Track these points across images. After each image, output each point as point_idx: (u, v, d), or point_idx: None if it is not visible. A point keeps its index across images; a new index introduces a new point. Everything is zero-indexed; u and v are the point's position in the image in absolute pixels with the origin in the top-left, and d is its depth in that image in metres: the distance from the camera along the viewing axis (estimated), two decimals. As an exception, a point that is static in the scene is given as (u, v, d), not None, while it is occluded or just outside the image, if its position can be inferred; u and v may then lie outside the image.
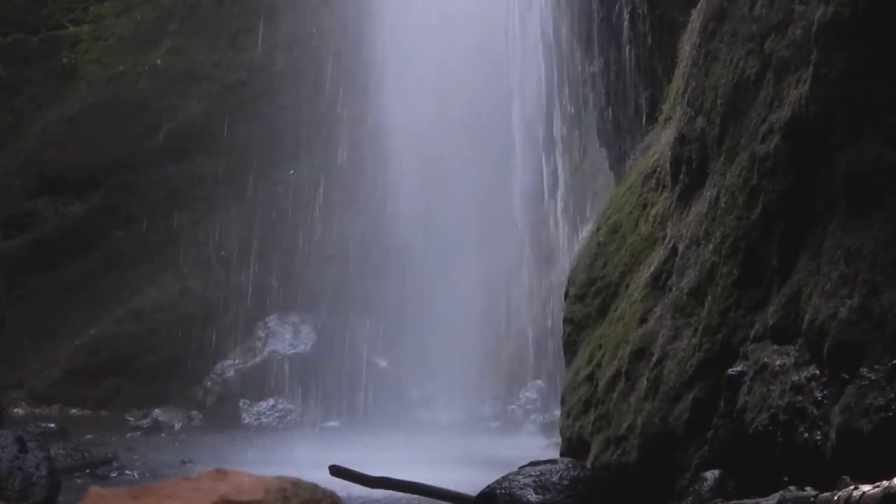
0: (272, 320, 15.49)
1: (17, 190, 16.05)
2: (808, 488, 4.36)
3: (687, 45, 6.38)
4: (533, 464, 5.67)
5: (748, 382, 4.93)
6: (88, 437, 12.31)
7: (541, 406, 14.38)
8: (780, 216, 4.98)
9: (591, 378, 6.47)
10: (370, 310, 15.13)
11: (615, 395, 6.05)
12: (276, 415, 14.56)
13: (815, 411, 4.55)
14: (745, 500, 4.66)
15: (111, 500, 2.19)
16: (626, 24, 9.47)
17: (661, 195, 6.41)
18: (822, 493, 4.25)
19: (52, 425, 12.71)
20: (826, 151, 4.72)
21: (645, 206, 6.59)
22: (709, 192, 5.58)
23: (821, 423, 4.50)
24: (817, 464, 4.47)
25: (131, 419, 14.56)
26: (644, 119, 8.91)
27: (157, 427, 14.13)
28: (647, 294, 6.05)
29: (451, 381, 15.03)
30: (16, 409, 14.78)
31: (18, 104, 16.10)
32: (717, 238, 5.38)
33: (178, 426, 14.38)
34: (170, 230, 16.02)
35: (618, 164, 10.01)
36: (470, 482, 6.67)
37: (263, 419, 14.52)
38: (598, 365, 6.41)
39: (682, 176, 5.97)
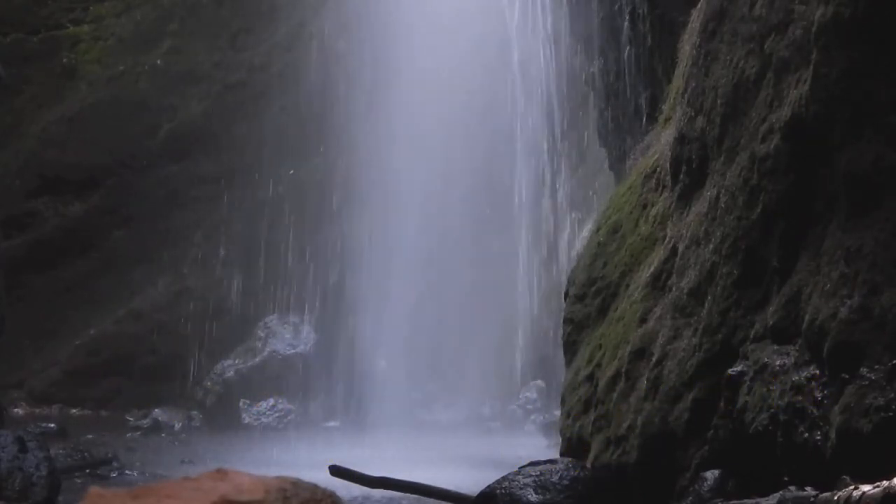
0: (272, 320, 15.49)
1: (17, 190, 16.06)
2: (808, 488, 4.36)
3: (687, 45, 6.38)
4: (533, 464, 5.67)
5: (748, 382, 4.93)
6: (88, 437, 12.31)
7: (541, 406, 14.38)
8: (780, 216, 4.98)
9: (591, 378, 6.47)
10: (370, 310, 15.12)
11: (615, 395, 6.05)
12: (276, 415, 14.56)
13: (815, 411, 4.55)
14: (745, 500, 4.66)
15: (111, 500, 2.19)
16: (626, 24, 9.47)
17: (661, 195, 6.41)
18: (822, 493, 4.25)
19: (52, 425, 12.71)
20: (826, 151, 4.72)
21: (645, 206, 6.59)
22: (709, 192, 5.58)
23: (821, 423, 4.50)
24: (817, 464, 4.47)
25: (131, 419, 14.56)
26: (644, 119, 8.91)
27: (157, 427, 14.13)
28: (647, 294, 6.05)
29: (451, 381, 15.03)
30: (16, 409, 14.78)
31: (18, 104, 16.10)
32: (717, 238, 5.38)
33: (178, 426, 14.38)
34: (170, 230, 16.03)
35: (618, 164, 10.01)
36: (470, 482, 6.67)
37: (263, 419, 14.52)
38: (598, 365, 6.41)
39: (682, 176, 5.97)
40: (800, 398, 4.62)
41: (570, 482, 5.47)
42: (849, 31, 4.61)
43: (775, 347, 4.88)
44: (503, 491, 5.51)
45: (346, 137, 15.62)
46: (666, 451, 5.43)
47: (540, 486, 5.45)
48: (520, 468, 5.64)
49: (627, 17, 9.44)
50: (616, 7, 9.79)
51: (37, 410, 15.01)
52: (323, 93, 15.61)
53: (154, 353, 15.63)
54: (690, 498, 5.02)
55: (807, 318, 4.67)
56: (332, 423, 14.41)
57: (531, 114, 14.34)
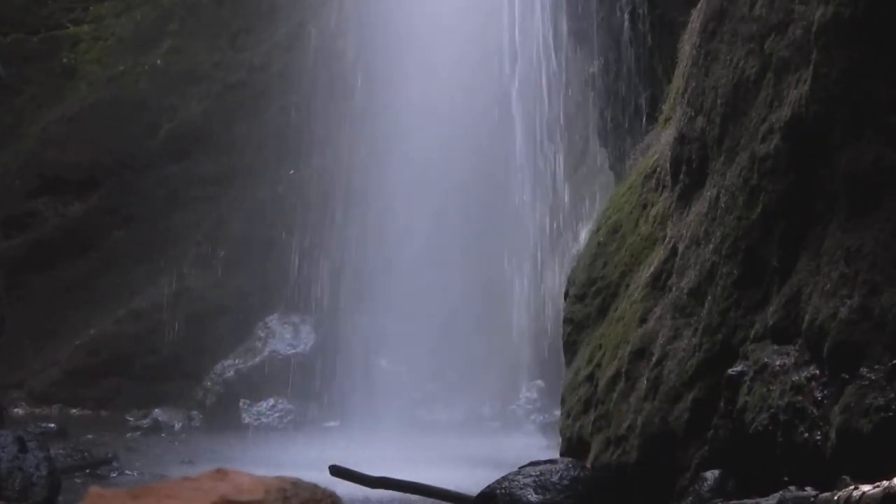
0: (272, 320, 15.48)
1: (17, 190, 16.05)
2: (808, 488, 4.36)
3: (687, 45, 6.38)
4: (533, 464, 5.67)
5: (748, 382, 4.93)
6: (88, 437, 12.30)
7: (541, 406, 14.37)
8: (780, 216, 4.98)
9: (591, 378, 6.47)
10: (370, 310, 15.12)
11: (615, 395, 6.05)
12: (276, 415, 14.55)
13: (815, 411, 4.55)
14: (745, 500, 4.66)
15: (111, 500, 2.19)
16: (626, 24, 9.47)
17: (661, 195, 6.41)
18: (822, 493, 4.25)
19: (52, 425, 12.71)
20: (826, 151, 4.72)
21: (645, 206, 6.59)
22: (709, 192, 5.58)
23: (821, 423, 4.50)
24: (817, 464, 4.47)
25: (131, 419, 14.56)
26: (644, 119, 8.90)
27: (157, 427, 14.13)
28: (647, 294, 6.05)
29: (451, 381, 15.03)
30: (16, 409, 14.78)
31: (18, 104, 16.10)
32: (717, 238, 5.38)
33: (178, 426, 14.38)
34: (170, 230, 16.03)
35: (618, 164, 10.01)
36: (470, 482, 6.68)
37: (263, 419, 14.51)
38: (598, 365, 6.41)
39: (682, 176, 5.97)
40: (800, 398, 4.62)
41: (570, 482, 5.47)
42: (849, 31, 4.61)
43: (775, 347, 4.88)
44: (503, 491, 5.51)
45: (346, 137, 15.62)
46: (666, 451, 5.43)
47: (540, 486, 5.45)
48: (520, 468, 5.65)
49: (627, 17, 9.44)
50: (616, 7, 9.79)
51: (37, 410, 15.01)
52: (323, 93, 15.61)
53: (154, 353, 15.63)
54: (690, 498, 5.02)
55: (807, 318, 4.67)
56: (332, 423, 14.41)
57: (531, 114, 14.33)
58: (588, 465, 5.94)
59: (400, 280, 14.84)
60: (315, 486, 2.42)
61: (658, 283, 5.98)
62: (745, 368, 4.99)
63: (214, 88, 16.42)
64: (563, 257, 14.09)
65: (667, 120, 6.77)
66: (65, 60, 16.46)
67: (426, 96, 14.81)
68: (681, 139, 5.99)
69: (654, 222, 6.40)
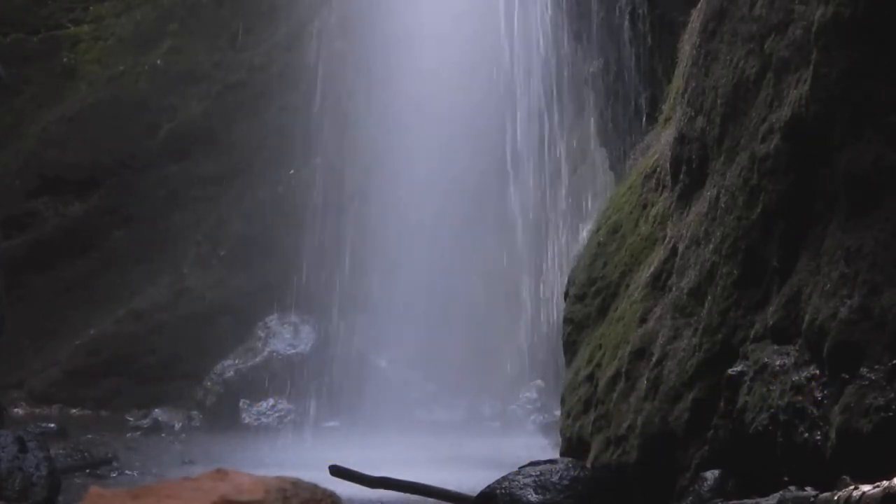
0: (272, 320, 15.48)
1: (17, 190, 16.05)
2: (808, 488, 4.36)
3: (687, 45, 6.38)
4: (533, 464, 5.67)
5: (748, 382, 4.93)
6: (88, 437, 12.30)
7: (541, 406, 14.37)
8: (780, 216, 4.98)
9: (591, 378, 6.47)
10: (370, 309, 15.12)
11: (615, 395, 6.05)
12: (276, 415, 14.55)
13: (815, 411, 4.55)
14: (745, 500, 4.66)
15: (111, 500, 2.19)
16: (626, 24, 9.47)
17: (661, 195, 6.41)
18: (822, 493, 4.25)
19: (52, 425, 12.71)
20: (826, 151, 4.72)
21: (645, 206, 6.59)
22: (709, 192, 5.58)
23: (821, 423, 4.50)
24: (817, 464, 4.47)
25: (131, 419, 14.56)
26: (644, 119, 8.90)
27: (157, 427, 14.12)
28: (647, 294, 6.05)
29: (451, 381, 15.03)
30: (16, 409, 14.77)
31: (18, 104, 16.10)
32: (717, 238, 5.38)
33: (178, 426, 14.38)
34: (170, 230, 16.02)
35: (618, 164, 10.01)
36: (470, 482, 6.68)
37: (263, 419, 14.51)
38: (598, 365, 6.41)
39: (682, 176, 5.97)
40: (800, 398, 4.62)
41: (570, 482, 5.47)
42: (849, 31, 4.61)
43: (775, 347, 4.88)
44: (503, 491, 5.51)
45: (347, 137, 15.62)
46: (666, 451, 5.43)
47: (540, 486, 5.45)
48: (520, 468, 5.65)
49: (627, 17, 9.44)
50: (616, 7, 9.79)
51: (37, 410, 15.01)
52: (323, 93, 15.61)
53: (154, 353, 15.63)
54: (690, 498, 5.02)
55: (807, 318, 4.67)
56: (332, 423, 14.40)
57: (531, 114, 14.33)
58: (588, 465, 5.94)
59: (400, 280, 14.84)
60: (315, 486, 2.42)
61: (658, 283, 5.98)
62: (745, 368, 4.99)
63: (214, 88, 16.42)
64: (563, 257, 14.09)
65: (667, 120, 6.77)
66: (65, 60, 16.46)
67: (426, 96, 14.80)
68: (681, 139, 5.99)
69: (654, 222, 6.40)
